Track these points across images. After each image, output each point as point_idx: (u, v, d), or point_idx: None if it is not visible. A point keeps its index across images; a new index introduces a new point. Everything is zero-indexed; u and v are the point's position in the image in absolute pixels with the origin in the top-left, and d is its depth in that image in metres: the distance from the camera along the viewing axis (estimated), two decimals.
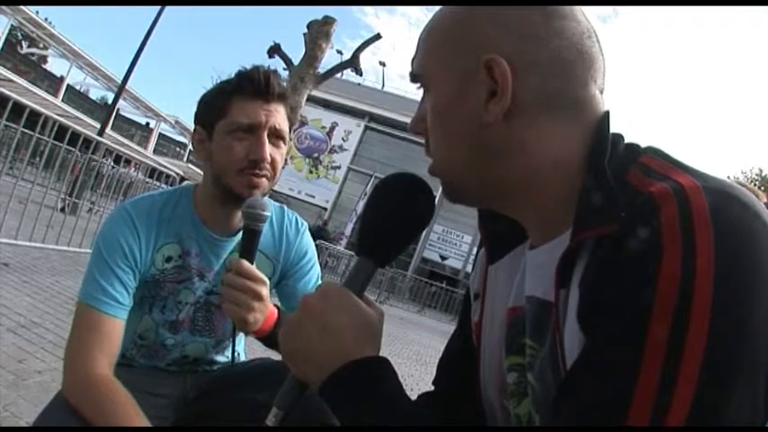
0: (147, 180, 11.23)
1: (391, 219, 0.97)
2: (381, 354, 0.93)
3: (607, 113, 0.89)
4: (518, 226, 0.97)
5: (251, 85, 1.65)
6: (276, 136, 1.69)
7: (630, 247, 0.68)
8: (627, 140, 0.88)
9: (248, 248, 1.56)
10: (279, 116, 1.69)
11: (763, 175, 35.20)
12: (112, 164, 10.82)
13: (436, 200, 1.05)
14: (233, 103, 1.65)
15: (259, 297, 1.52)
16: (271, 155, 1.66)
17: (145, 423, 1.44)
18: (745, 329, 0.63)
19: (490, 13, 0.88)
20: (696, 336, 0.62)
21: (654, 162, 0.80)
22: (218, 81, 1.74)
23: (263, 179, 1.66)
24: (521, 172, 0.87)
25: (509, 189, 0.90)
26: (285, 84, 1.78)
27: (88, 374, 1.48)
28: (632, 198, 0.72)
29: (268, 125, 1.65)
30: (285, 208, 1.99)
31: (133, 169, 11.86)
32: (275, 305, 1.64)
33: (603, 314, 0.69)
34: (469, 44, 0.87)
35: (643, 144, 0.87)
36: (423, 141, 0.97)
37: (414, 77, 0.97)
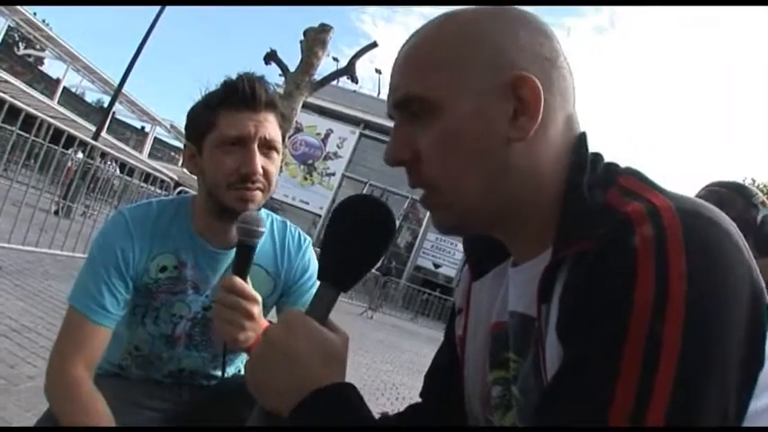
0: (142, 185, 11.19)
1: (352, 245, 0.94)
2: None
3: (584, 134, 0.93)
4: (500, 244, 0.99)
5: (237, 96, 1.60)
6: (267, 146, 1.64)
7: (607, 264, 0.71)
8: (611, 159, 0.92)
9: (241, 265, 1.50)
10: (269, 126, 1.64)
11: (757, 184, 35.34)
12: (80, 154, 10.70)
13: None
14: (220, 116, 1.61)
15: (250, 316, 1.47)
16: (263, 166, 1.61)
17: (111, 424, 1.46)
18: (716, 345, 0.66)
19: (499, 30, 0.88)
20: (669, 352, 0.65)
21: (630, 182, 0.83)
22: (206, 92, 1.69)
23: (257, 192, 1.62)
24: (529, 191, 0.89)
25: (512, 210, 0.90)
26: (275, 90, 1.72)
27: (62, 376, 1.51)
28: (609, 217, 0.75)
29: (258, 136, 1.60)
30: (288, 222, 1.95)
31: (112, 166, 11.79)
32: (270, 322, 1.56)
33: (581, 330, 0.72)
34: (489, 62, 0.87)
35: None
36: None
37: (410, 101, 0.90)
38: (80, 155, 10.49)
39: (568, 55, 0.93)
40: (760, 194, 2.34)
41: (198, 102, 1.70)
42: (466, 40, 0.88)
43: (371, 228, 0.95)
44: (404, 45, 0.95)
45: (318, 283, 0.97)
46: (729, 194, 2.19)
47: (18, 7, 30.35)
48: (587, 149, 0.90)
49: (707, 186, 2.39)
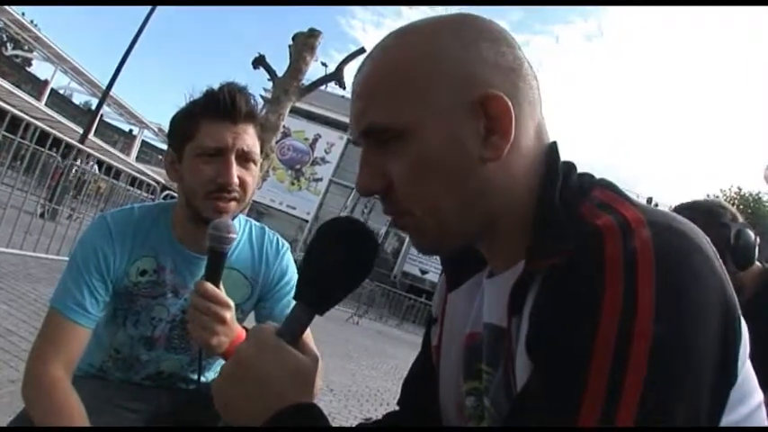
0: (129, 188, 11.15)
1: (331, 270, 0.92)
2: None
3: (555, 143, 0.92)
4: (477, 254, 0.99)
5: (217, 107, 1.62)
6: (245, 158, 1.66)
7: (576, 279, 0.71)
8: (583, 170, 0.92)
9: (213, 271, 1.52)
10: (247, 137, 1.66)
11: (742, 193, 35.56)
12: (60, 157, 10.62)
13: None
14: (200, 126, 1.63)
15: (222, 320, 1.48)
16: (240, 177, 1.63)
17: (86, 424, 1.47)
18: (685, 357, 0.66)
19: (460, 45, 0.86)
20: (637, 365, 0.65)
21: (604, 195, 0.83)
22: (191, 98, 1.71)
23: (232, 202, 1.64)
24: (505, 206, 0.88)
25: (489, 225, 0.90)
26: (255, 101, 1.73)
27: (40, 375, 1.52)
28: (581, 230, 0.75)
29: (235, 148, 1.62)
30: (266, 228, 1.97)
31: (90, 163, 11.70)
32: (244, 327, 1.60)
33: (549, 342, 0.72)
34: (453, 81, 0.84)
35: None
36: None
37: (376, 130, 0.88)
38: (71, 159, 10.39)
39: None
40: (729, 212, 2.37)
41: (180, 109, 1.72)
42: (426, 60, 0.86)
43: (352, 253, 0.92)
44: (360, 68, 0.93)
45: (294, 302, 0.95)
46: (699, 218, 2.22)
47: (6, 7, 30.18)
48: (558, 159, 0.89)
49: (674, 209, 2.41)
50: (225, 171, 1.60)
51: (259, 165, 1.73)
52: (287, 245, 2.00)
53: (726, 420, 0.71)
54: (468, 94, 0.84)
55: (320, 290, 0.93)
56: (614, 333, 0.65)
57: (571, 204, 0.81)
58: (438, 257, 1.06)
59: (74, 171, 10.51)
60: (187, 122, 1.66)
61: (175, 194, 1.86)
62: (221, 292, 1.50)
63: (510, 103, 0.83)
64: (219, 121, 1.62)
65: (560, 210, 0.81)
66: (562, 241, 0.75)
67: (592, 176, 0.90)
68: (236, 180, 1.61)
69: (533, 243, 0.82)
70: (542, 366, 0.72)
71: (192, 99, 1.70)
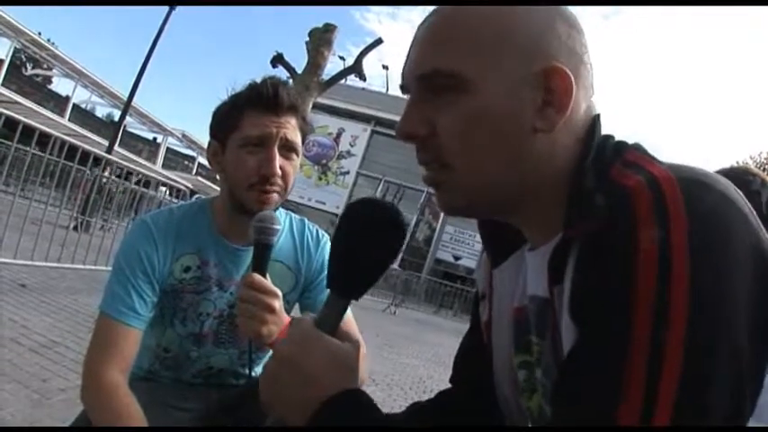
0: (158, 195, 11.26)
1: (359, 254, 0.91)
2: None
3: (597, 117, 0.92)
4: (517, 230, 1.00)
5: (260, 99, 1.66)
6: (287, 148, 1.70)
7: (609, 241, 0.71)
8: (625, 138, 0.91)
9: (260, 262, 1.55)
10: (290, 128, 1.70)
11: None
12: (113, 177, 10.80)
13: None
14: (244, 117, 1.67)
15: (271, 310, 1.51)
16: (282, 167, 1.67)
17: None
18: (722, 313, 0.66)
19: (537, 17, 0.87)
20: (677, 324, 0.65)
21: (634, 156, 0.83)
22: (232, 92, 1.75)
23: (274, 194, 1.68)
24: (544, 178, 0.89)
25: (524, 195, 0.90)
26: (297, 94, 1.76)
27: (98, 381, 1.54)
28: (613, 193, 0.75)
29: (278, 137, 1.66)
30: (306, 220, 2.01)
31: (163, 192, 11.81)
32: (292, 317, 1.63)
33: (590, 308, 0.72)
34: (527, 49, 0.86)
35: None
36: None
37: (438, 76, 0.87)
38: (100, 171, 10.53)
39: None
40: (759, 178, 2.32)
41: (224, 101, 1.76)
42: (501, 22, 0.87)
43: (378, 235, 0.91)
44: (432, 16, 0.92)
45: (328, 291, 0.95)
46: None
47: (23, 28, 30.50)
48: (599, 132, 0.90)
49: None
50: (268, 162, 1.64)
51: (300, 157, 1.76)
52: (326, 236, 2.01)
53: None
54: (534, 65, 0.85)
55: (350, 277, 0.93)
56: (652, 290, 0.66)
57: (603, 169, 0.82)
58: (470, 243, 1.07)
59: (104, 182, 10.62)
60: (231, 113, 1.70)
61: (203, 197, 1.88)
62: (269, 282, 1.53)
63: (573, 79, 0.85)
64: (263, 113, 1.67)
65: (592, 175, 0.82)
66: (595, 206, 0.76)
67: (626, 142, 0.89)
68: (278, 171, 1.65)
69: (568, 211, 0.83)
70: (582, 340, 0.73)
71: (233, 92, 1.74)
